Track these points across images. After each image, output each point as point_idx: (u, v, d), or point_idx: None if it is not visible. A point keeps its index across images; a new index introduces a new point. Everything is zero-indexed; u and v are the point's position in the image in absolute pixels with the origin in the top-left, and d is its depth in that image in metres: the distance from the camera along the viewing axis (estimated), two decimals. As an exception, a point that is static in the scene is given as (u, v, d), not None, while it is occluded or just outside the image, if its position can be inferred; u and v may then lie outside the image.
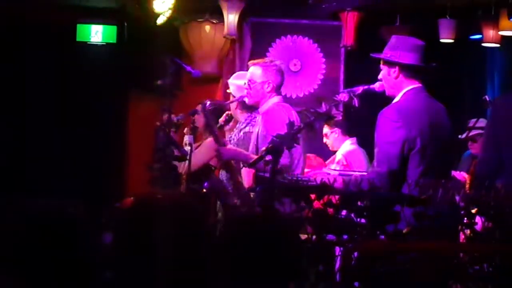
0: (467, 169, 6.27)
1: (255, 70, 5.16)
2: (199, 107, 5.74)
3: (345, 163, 6.40)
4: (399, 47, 4.24)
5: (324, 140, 6.75)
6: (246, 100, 5.22)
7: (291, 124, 3.98)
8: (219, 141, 5.17)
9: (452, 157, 4.90)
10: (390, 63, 4.24)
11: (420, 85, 4.24)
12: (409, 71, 4.21)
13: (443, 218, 3.36)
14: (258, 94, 5.14)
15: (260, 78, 5.12)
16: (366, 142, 6.56)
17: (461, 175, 5.82)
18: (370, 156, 6.41)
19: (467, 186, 5.15)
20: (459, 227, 3.42)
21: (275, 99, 5.13)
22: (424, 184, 3.56)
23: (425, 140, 4.08)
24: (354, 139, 6.70)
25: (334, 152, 6.74)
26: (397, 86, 4.24)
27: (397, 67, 4.21)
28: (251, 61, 5.38)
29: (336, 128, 6.67)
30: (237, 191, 5.11)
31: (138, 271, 2.08)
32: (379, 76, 4.30)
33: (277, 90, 5.17)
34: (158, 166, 4.94)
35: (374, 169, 4.11)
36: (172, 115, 5.24)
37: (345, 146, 6.67)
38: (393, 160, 4.04)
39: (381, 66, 4.30)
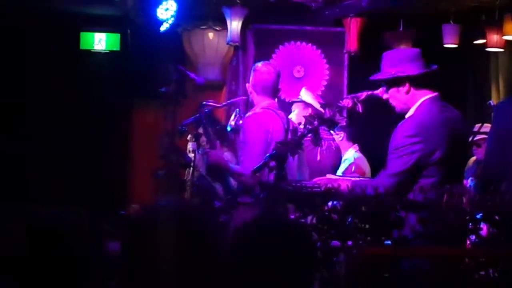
0: (472, 174, 6.26)
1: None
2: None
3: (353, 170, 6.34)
4: (402, 61, 4.05)
5: None
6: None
7: (294, 130, 3.97)
8: (212, 143, 5.14)
9: (465, 164, 4.79)
10: (397, 81, 4.04)
11: (434, 94, 4.04)
12: (418, 81, 4.01)
13: (448, 223, 3.34)
14: (251, 98, 5.06)
15: (250, 82, 5.07)
16: (369, 148, 6.54)
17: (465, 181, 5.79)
18: (372, 162, 6.40)
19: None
20: (465, 232, 3.41)
21: (263, 103, 5.00)
22: (428, 189, 3.54)
23: (442, 154, 3.91)
24: (356, 146, 6.67)
25: None
26: (410, 100, 4.03)
27: (406, 83, 4.01)
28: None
29: (342, 132, 6.62)
30: (224, 195, 5.03)
31: (145, 280, 2.08)
32: (385, 96, 4.09)
33: (264, 92, 5.01)
34: (163, 173, 4.94)
35: (384, 177, 3.99)
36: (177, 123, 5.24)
37: (351, 154, 6.63)
38: (405, 173, 3.89)
39: (386, 88, 4.08)
